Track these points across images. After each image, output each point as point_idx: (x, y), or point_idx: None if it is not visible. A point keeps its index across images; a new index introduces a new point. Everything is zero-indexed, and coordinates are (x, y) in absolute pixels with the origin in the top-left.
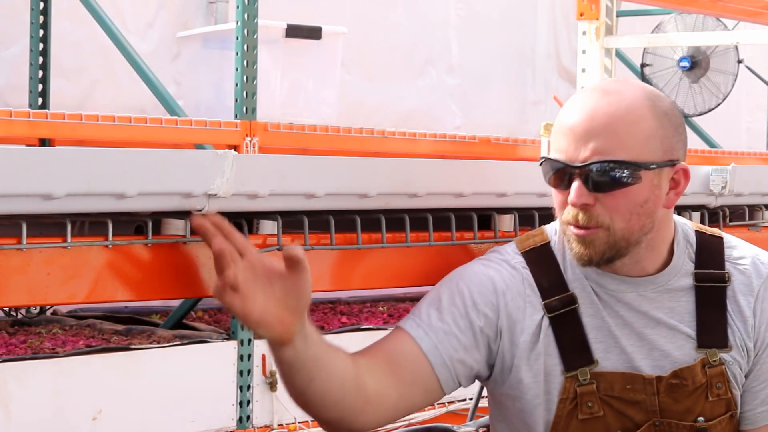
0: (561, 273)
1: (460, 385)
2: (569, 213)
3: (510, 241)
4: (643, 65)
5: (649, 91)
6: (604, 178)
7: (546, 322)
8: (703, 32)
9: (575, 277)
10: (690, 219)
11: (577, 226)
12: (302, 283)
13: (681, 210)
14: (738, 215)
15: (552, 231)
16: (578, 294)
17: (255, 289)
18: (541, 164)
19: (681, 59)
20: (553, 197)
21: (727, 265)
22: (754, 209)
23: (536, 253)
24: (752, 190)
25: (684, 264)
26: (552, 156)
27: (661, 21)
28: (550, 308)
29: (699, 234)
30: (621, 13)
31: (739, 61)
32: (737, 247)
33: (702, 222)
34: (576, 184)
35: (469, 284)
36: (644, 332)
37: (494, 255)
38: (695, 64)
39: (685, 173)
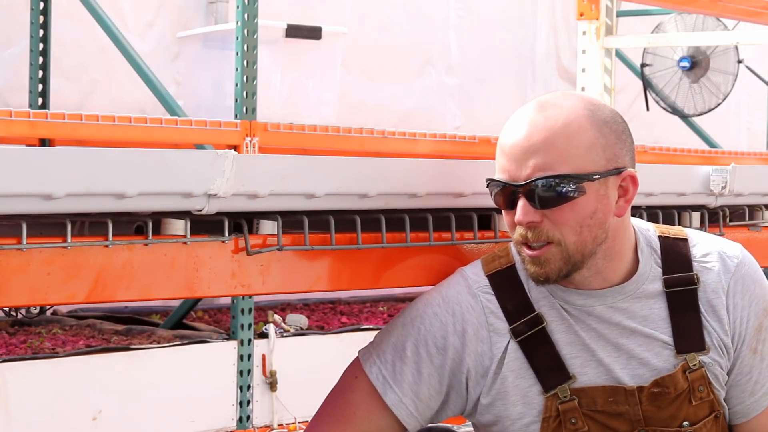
0: (526, 294)
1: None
2: (518, 232)
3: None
4: (643, 65)
5: (588, 101)
6: (548, 194)
7: (513, 345)
8: (703, 32)
9: (542, 295)
10: (690, 219)
11: (529, 246)
12: None
13: (681, 210)
14: (738, 215)
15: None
16: (547, 311)
17: None
18: (487, 186)
19: (681, 59)
20: (504, 218)
21: (695, 266)
22: (754, 209)
23: (501, 276)
24: (752, 190)
25: (651, 270)
26: (496, 177)
27: (661, 21)
28: (517, 332)
29: (662, 238)
30: (621, 13)
31: (739, 61)
32: (702, 244)
33: (702, 222)
34: (521, 203)
35: (431, 330)
36: (620, 342)
37: (456, 281)
38: (695, 64)
39: (633, 180)
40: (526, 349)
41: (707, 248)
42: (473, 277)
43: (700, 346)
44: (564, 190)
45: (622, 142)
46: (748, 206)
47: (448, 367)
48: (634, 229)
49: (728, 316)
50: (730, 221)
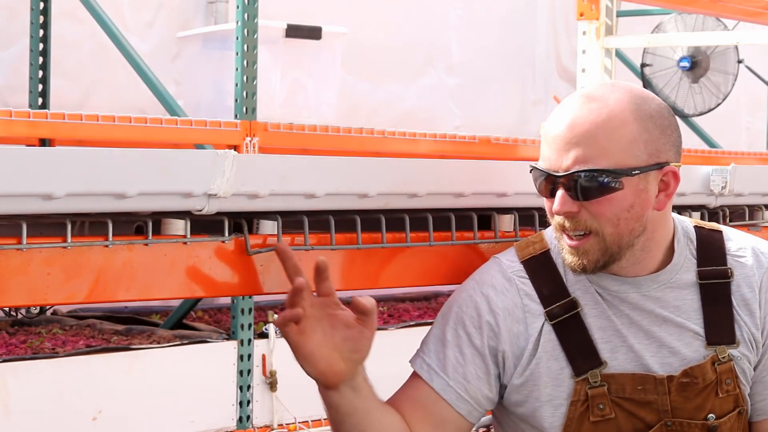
0: (561, 279)
1: (485, 411)
2: (557, 220)
3: (512, 244)
4: (643, 65)
5: (636, 95)
6: (586, 186)
7: (547, 327)
8: (703, 32)
9: (577, 279)
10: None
11: (569, 236)
12: (364, 337)
13: (681, 210)
14: (738, 215)
15: (551, 235)
16: (581, 296)
17: (316, 327)
18: (530, 172)
19: (681, 59)
20: (545, 204)
21: (729, 259)
22: (754, 209)
23: (536, 261)
24: (752, 190)
25: (686, 261)
26: (538, 165)
27: (661, 21)
28: (552, 315)
29: (698, 229)
30: (621, 13)
31: (739, 61)
32: (736, 239)
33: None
34: (560, 193)
35: (467, 311)
36: (651, 330)
37: (490, 266)
38: (695, 64)
39: (675, 175)
40: (560, 333)
41: (741, 243)
42: (507, 263)
43: (731, 339)
44: (602, 184)
45: (666, 136)
46: (748, 206)
47: (488, 347)
48: (674, 220)
49: (760, 311)
50: (730, 221)
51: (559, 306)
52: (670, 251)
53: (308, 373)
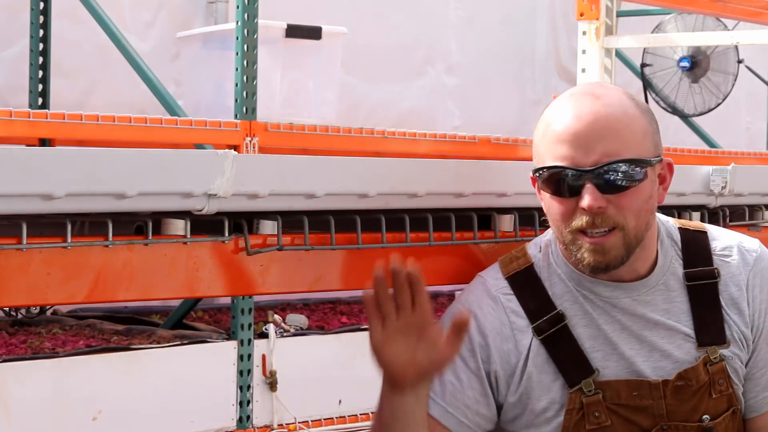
0: (546, 293)
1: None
2: (581, 220)
3: (512, 244)
4: (643, 65)
5: (627, 92)
6: (616, 178)
7: (536, 342)
8: (703, 32)
9: (564, 290)
10: (690, 219)
11: (589, 236)
12: (443, 353)
13: (681, 210)
14: (738, 215)
15: (535, 249)
16: (569, 306)
17: (399, 338)
18: (537, 175)
19: (681, 59)
20: (553, 208)
21: (715, 259)
22: (754, 209)
23: (520, 277)
24: (752, 190)
25: (672, 262)
26: (559, 164)
27: (661, 21)
28: (539, 330)
29: (683, 231)
30: (621, 13)
31: (739, 61)
32: (721, 239)
33: (702, 222)
34: (589, 188)
35: None
36: (642, 334)
37: (475, 286)
38: (695, 64)
39: (670, 167)
40: (549, 347)
41: (727, 242)
42: (492, 281)
43: (721, 340)
44: (631, 175)
45: (658, 131)
46: (748, 206)
47: (483, 368)
48: (657, 220)
49: (748, 309)
50: (730, 221)
51: (546, 321)
52: (656, 253)
53: (377, 367)
